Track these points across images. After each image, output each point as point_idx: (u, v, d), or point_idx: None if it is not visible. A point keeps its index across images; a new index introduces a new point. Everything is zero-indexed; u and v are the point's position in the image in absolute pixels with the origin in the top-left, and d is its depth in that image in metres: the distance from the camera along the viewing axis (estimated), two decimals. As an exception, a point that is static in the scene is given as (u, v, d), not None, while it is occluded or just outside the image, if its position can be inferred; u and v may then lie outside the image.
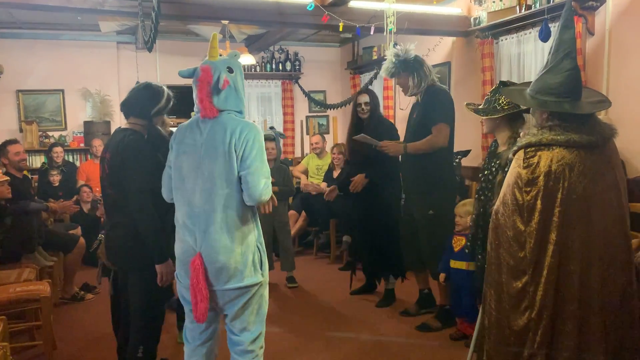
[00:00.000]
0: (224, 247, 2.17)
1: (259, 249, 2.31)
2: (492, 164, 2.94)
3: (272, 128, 5.23)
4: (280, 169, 4.71)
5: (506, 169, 2.81)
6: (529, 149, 2.10)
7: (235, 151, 2.16)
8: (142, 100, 2.65)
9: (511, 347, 2.13)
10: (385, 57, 3.75)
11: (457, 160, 5.26)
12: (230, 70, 2.23)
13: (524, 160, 2.09)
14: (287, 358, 3.36)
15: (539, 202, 2.04)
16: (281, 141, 5.32)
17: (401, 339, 3.60)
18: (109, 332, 3.14)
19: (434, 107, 3.64)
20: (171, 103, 2.73)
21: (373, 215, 4.14)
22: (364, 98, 4.10)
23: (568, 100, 2.10)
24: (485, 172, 2.99)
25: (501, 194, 2.17)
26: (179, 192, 2.28)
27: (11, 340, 2.95)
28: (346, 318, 4.03)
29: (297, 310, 4.23)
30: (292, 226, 6.00)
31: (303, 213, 5.92)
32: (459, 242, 3.46)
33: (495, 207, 2.18)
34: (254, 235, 2.29)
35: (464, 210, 3.42)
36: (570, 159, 2.03)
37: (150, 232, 2.49)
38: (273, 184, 2.37)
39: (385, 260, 4.19)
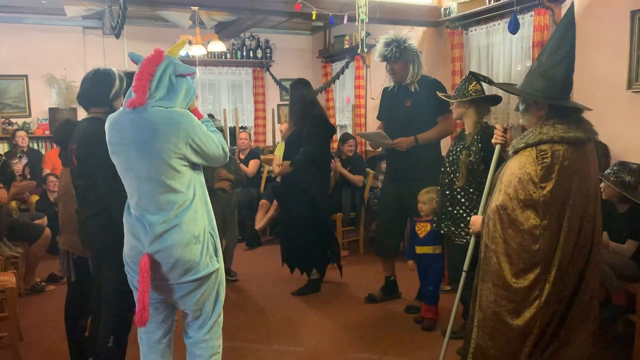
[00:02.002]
0: (175, 244, 2.08)
1: (211, 235, 2.22)
2: (458, 146, 3.21)
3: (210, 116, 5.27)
4: (231, 160, 4.64)
5: (472, 148, 3.06)
6: (542, 146, 2.17)
7: (175, 144, 2.04)
8: (96, 88, 2.57)
9: (513, 341, 2.20)
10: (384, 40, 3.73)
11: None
12: (176, 70, 2.13)
13: (537, 157, 2.17)
14: (250, 350, 3.37)
15: (554, 197, 2.14)
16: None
17: (372, 328, 3.66)
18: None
19: (437, 97, 3.67)
20: (125, 83, 2.63)
21: (301, 213, 4.20)
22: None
23: (563, 100, 2.24)
24: (451, 154, 3.24)
25: (509, 191, 2.20)
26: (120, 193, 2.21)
27: (-25, 332, 2.90)
28: (315, 306, 4.07)
29: (267, 298, 4.24)
30: (264, 216, 6.01)
31: (274, 202, 5.92)
32: (423, 228, 3.60)
33: (500, 203, 2.21)
34: (205, 222, 2.19)
35: (428, 197, 3.56)
36: (577, 155, 2.16)
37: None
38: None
39: (310, 254, 4.28)
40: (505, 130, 2.62)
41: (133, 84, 2.08)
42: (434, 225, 3.38)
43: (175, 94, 2.12)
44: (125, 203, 2.40)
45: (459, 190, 3.15)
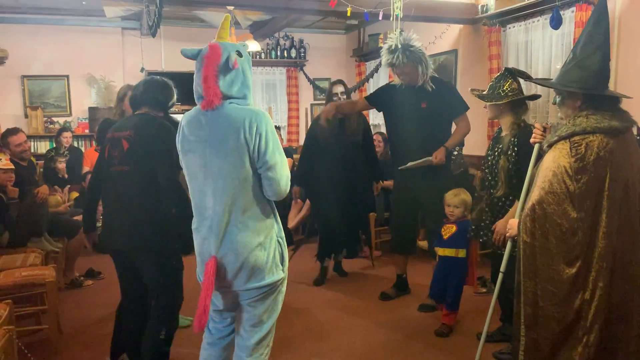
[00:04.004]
0: (243, 248, 2.05)
1: (279, 243, 2.18)
2: (495, 149, 3.05)
3: None
4: None
5: (509, 152, 2.94)
6: (575, 138, 2.16)
7: (248, 145, 2.01)
8: (159, 93, 2.74)
9: (560, 334, 2.19)
10: (388, 46, 3.72)
11: (456, 150, 5.27)
12: (239, 55, 2.09)
13: (570, 149, 2.15)
14: (287, 344, 3.37)
15: (590, 188, 2.12)
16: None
17: (402, 328, 3.62)
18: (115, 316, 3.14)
19: (452, 99, 3.80)
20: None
21: (349, 201, 4.43)
22: (340, 88, 4.35)
23: (600, 89, 2.21)
24: (489, 158, 3.09)
25: (544, 185, 2.18)
26: (190, 192, 2.17)
27: (17, 324, 2.98)
28: (349, 305, 4.05)
29: (300, 296, 4.23)
30: (296, 214, 6.00)
31: (307, 201, 5.91)
32: (448, 230, 3.51)
33: (537, 198, 2.19)
34: (275, 229, 2.16)
35: (459, 200, 3.46)
36: (612, 144, 2.12)
37: (182, 205, 2.46)
38: None
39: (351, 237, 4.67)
40: (544, 129, 2.56)
41: (202, 88, 2.04)
42: (472, 234, 3.24)
43: (246, 79, 2.10)
44: (180, 196, 2.45)
45: (499, 198, 3.00)
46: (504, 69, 3.08)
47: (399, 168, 3.81)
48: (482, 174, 3.21)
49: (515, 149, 2.92)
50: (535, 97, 3.18)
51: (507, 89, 2.96)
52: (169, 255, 2.55)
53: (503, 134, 3.05)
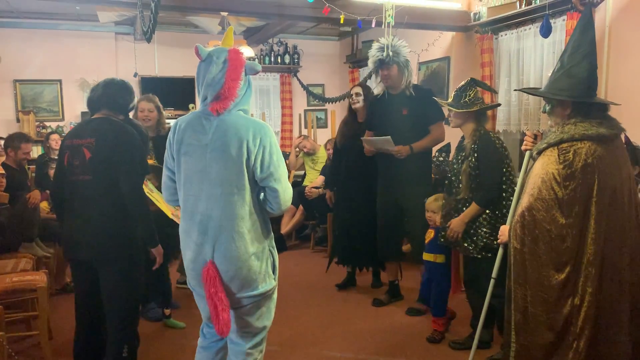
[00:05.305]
0: (236, 256, 2.05)
1: (271, 252, 2.20)
2: (459, 156, 3.16)
3: None
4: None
5: (469, 159, 3.03)
6: (562, 145, 2.19)
7: (249, 156, 2.03)
8: (120, 96, 2.66)
9: (551, 340, 2.20)
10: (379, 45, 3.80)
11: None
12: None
13: (559, 156, 2.19)
14: (277, 353, 3.36)
15: (578, 194, 2.15)
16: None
17: (395, 334, 3.62)
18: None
19: (430, 107, 3.84)
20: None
21: (362, 207, 4.26)
22: (356, 89, 4.34)
23: (588, 97, 2.25)
24: (455, 166, 3.20)
25: (533, 192, 2.21)
26: (182, 196, 2.15)
27: (7, 330, 2.96)
28: (345, 309, 4.05)
29: (292, 303, 4.23)
30: (289, 220, 6.01)
31: (300, 207, 5.92)
32: (428, 235, 3.55)
33: (526, 204, 2.22)
34: (268, 239, 2.18)
35: (437, 206, 3.50)
36: (600, 151, 2.16)
37: (145, 215, 2.48)
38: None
39: (368, 251, 4.34)
40: (535, 137, 2.60)
41: (222, 90, 2.04)
42: (442, 240, 3.26)
43: (249, 94, 2.16)
44: (143, 203, 2.46)
45: (462, 201, 3.09)
46: (470, 79, 3.17)
47: (361, 138, 3.90)
48: (447, 181, 3.26)
49: (475, 154, 3.02)
50: (498, 105, 3.33)
51: (473, 97, 3.06)
52: (133, 266, 2.51)
53: (465, 141, 3.14)
